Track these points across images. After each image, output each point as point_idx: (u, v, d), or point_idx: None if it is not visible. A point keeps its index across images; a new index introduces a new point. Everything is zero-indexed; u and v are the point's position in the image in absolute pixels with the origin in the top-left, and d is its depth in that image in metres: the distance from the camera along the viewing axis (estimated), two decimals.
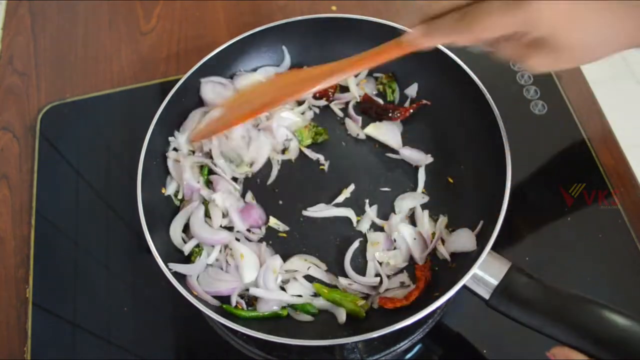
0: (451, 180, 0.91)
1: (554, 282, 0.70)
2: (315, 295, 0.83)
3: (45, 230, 0.97)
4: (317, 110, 1.00)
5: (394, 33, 0.93)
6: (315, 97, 1.00)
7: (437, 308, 0.72)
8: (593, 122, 1.02)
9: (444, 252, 0.83)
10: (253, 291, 0.81)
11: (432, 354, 0.86)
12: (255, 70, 1.01)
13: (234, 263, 0.83)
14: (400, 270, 0.84)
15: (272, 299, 0.81)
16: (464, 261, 0.78)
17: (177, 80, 0.93)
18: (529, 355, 0.81)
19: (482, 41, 0.60)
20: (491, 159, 0.83)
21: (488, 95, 0.85)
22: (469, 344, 0.84)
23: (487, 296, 0.71)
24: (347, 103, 1.00)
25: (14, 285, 0.93)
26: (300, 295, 0.82)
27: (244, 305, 0.81)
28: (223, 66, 0.98)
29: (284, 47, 1.01)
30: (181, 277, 0.80)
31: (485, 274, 0.72)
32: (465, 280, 0.71)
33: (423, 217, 0.86)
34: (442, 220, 0.86)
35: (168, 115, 0.90)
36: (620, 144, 1.00)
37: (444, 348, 0.86)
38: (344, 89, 1.01)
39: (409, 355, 0.85)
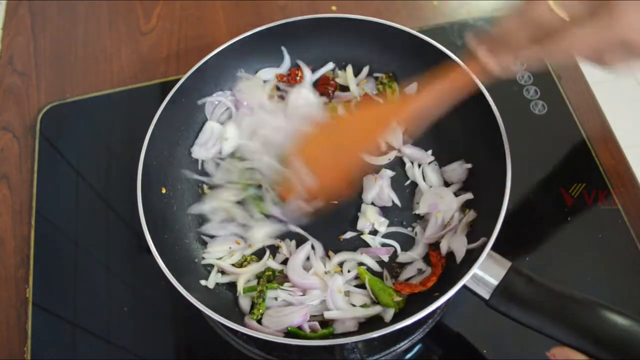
0: None
1: (554, 281, 0.70)
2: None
3: (45, 230, 0.97)
4: None
5: (395, 34, 0.93)
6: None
7: (437, 308, 0.71)
8: (593, 122, 1.02)
9: (444, 248, 0.83)
10: (329, 315, 0.80)
11: (432, 354, 0.86)
12: (256, 72, 1.01)
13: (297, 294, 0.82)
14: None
15: (348, 318, 0.80)
16: (464, 261, 0.78)
17: (177, 80, 0.92)
18: (529, 355, 0.81)
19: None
20: (491, 159, 0.83)
21: (488, 95, 0.85)
22: (469, 344, 0.84)
23: (487, 296, 0.71)
24: (347, 102, 1.00)
25: (14, 285, 0.93)
26: (366, 305, 0.82)
27: (318, 327, 0.80)
28: (223, 66, 0.98)
29: (283, 48, 1.00)
30: (181, 276, 0.79)
31: (485, 274, 0.72)
32: (465, 280, 0.71)
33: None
34: (471, 214, 0.85)
35: (168, 116, 0.90)
36: (620, 144, 1.00)
37: (444, 348, 0.86)
38: (345, 88, 1.01)
39: (409, 355, 0.85)
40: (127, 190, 0.83)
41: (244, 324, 0.74)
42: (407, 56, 0.96)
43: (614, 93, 1.34)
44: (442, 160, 0.93)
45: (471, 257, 0.75)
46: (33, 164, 1.04)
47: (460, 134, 0.92)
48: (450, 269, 0.81)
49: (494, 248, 0.73)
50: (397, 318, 0.73)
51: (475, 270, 0.72)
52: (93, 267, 0.93)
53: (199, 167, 0.95)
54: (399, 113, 0.78)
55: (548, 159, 0.99)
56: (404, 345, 0.84)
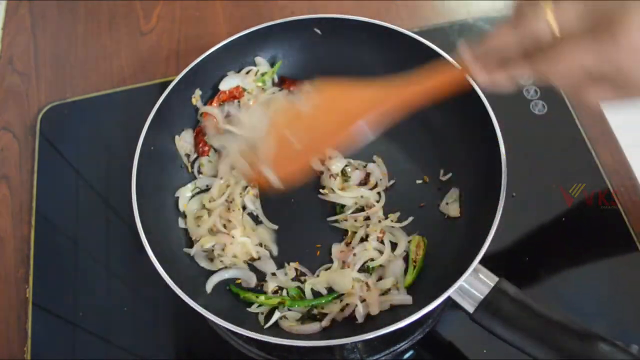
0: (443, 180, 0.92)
1: (541, 303, 0.69)
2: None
3: (45, 230, 0.97)
4: None
5: (396, 37, 0.93)
6: None
7: (423, 317, 0.71)
8: (593, 122, 1.02)
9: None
10: None
11: (431, 354, 0.86)
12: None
13: None
14: None
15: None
16: (451, 274, 0.77)
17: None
18: None
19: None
20: (486, 168, 0.83)
21: (484, 98, 0.85)
22: (467, 346, 0.85)
23: (471, 310, 0.71)
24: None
25: (14, 285, 0.93)
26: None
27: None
28: (223, 65, 0.98)
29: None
30: (176, 276, 0.79)
31: (471, 287, 0.71)
32: (450, 292, 0.71)
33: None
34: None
35: (163, 114, 0.90)
36: (620, 144, 1.00)
37: (443, 348, 0.87)
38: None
39: (407, 355, 0.85)
40: (127, 190, 0.83)
41: (245, 327, 0.74)
42: (407, 57, 0.96)
43: None
44: (434, 165, 0.93)
45: (459, 269, 0.74)
46: (33, 164, 1.04)
47: (456, 137, 0.92)
48: (437, 279, 0.81)
49: (492, 252, 0.73)
50: (397, 318, 0.72)
51: (461, 282, 0.71)
52: (93, 267, 0.93)
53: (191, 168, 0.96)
54: (388, 99, 0.71)
55: (548, 159, 0.99)
56: (404, 345, 0.84)
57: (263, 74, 1.00)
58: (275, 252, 0.89)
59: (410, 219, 0.89)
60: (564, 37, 0.52)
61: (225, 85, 0.98)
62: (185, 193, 0.92)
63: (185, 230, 0.90)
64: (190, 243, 0.89)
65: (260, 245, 0.88)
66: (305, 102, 0.77)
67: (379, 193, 0.91)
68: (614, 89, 0.53)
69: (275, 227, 0.90)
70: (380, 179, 0.92)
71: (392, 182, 0.93)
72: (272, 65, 1.02)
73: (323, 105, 0.77)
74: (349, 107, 0.74)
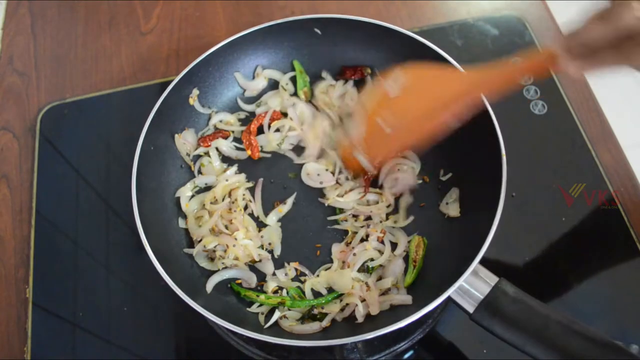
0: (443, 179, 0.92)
1: (540, 302, 0.70)
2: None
3: (45, 230, 0.97)
4: None
5: (396, 36, 0.93)
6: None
7: (422, 316, 0.71)
8: (593, 122, 1.02)
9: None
10: None
11: (431, 354, 0.86)
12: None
13: None
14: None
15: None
16: (451, 274, 0.77)
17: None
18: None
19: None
20: (486, 168, 0.83)
21: (483, 97, 0.85)
22: (467, 346, 0.85)
23: (471, 310, 0.71)
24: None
25: (14, 285, 0.93)
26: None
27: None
28: (222, 65, 0.98)
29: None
30: (176, 275, 0.80)
31: (471, 287, 0.71)
32: (450, 292, 0.71)
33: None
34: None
35: (163, 114, 0.90)
36: (620, 144, 1.00)
37: (443, 348, 0.87)
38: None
39: (407, 355, 0.85)
40: (127, 190, 0.83)
41: (245, 327, 0.74)
42: (407, 57, 0.96)
43: (614, 93, 1.34)
44: (434, 165, 0.93)
45: (459, 269, 0.74)
46: (33, 164, 1.04)
47: (458, 138, 0.91)
48: (437, 279, 0.81)
49: (491, 253, 0.73)
50: (396, 318, 0.72)
51: (461, 282, 0.71)
52: (93, 267, 0.93)
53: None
54: (478, 86, 0.71)
55: (548, 159, 0.99)
56: (404, 345, 0.84)
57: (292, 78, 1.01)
58: (279, 252, 0.89)
59: (411, 218, 0.89)
60: None
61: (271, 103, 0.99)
62: (185, 192, 0.92)
63: (186, 230, 0.90)
64: (191, 243, 0.89)
65: (262, 247, 0.88)
66: (395, 86, 0.76)
67: (381, 194, 0.91)
68: None
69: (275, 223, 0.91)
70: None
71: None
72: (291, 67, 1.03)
73: (413, 90, 0.76)
74: (439, 92, 0.74)
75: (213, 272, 0.86)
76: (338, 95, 0.99)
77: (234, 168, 0.95)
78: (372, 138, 0.79)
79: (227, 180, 0.92)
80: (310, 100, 1.00)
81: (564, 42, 0.62)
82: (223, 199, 0.90)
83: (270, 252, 0.88)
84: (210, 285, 0.83)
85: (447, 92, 0.73)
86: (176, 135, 0.94)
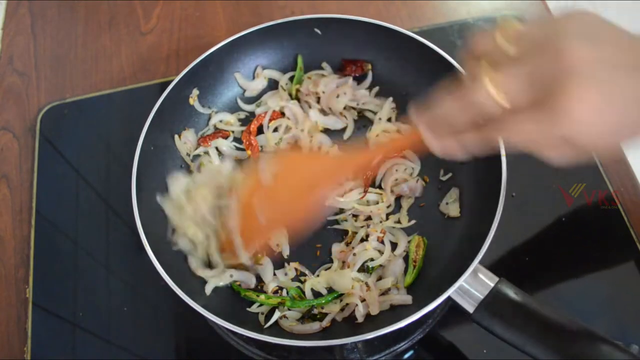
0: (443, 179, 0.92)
1: (541, 301, 0.69)
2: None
3: (45, 230, 0.97)
4: None
5: (396, 36, 0.93)
6: None
7: (422, 316, 0.71)
8: None
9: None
10: None
11: (431, 354, 0.86)
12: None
13: None
14: None
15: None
16: (451, 274, 0.77)
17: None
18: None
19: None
20: (486, 168, 0.83)
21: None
22: (467, 346, 0.85)
23: (471, 310, 0.71)
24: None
25: (14, 285, 0.93)
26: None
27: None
28: (222, 65, 0.98)
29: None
30: (176, 275, 0.79)
31: (471, 287, 0.71)
32: (450, 292, 0.71)
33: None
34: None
35: (163, 114, 0.90)
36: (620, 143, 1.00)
37: (443, 348, 0.87)
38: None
39: (407, 355, 0.85)
40: (127, 190, 0.83)
41: (245, 327, 0.74)
42: (407, 57, 0.96)
43: None
44: (434, 165, 0.93)
45: (459, 269, 0.74)
46: (33, 164, 1.04)
47: None
48: (437, 279, 0.81)
49: (490, 254, 0.73)
50: (397, 319, 0.72)
51: (461, 282, 0.71)
52: (93, 267, 0.93)
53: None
54: (345, 167, 0.74)
55: None
56: (404, 345, 0.84)
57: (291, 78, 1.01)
58: (287, 252, 0.88)
59: (413, 221, 0.89)
60: (506, 109, 0.52)
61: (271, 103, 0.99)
62: (178, 183, 0.88)
63: None
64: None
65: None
66: (267, 174, 0.77)
67: (381, 194, 0.91)
68: (571, 150, 0.52)
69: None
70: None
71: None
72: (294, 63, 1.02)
73: (283, 176, 0.78)
74: (307, 176, 0.76)
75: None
76: (331, 87, 0.98)
77: (229, 163, 0.92)
78: (247, 225, 0.78)
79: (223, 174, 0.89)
80: (297, 93, 1.00)
81: (422, 117, 0.60)
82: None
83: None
84: (209, 288, 0.83)
85: (315, 174, 0.75)
86: (176, 136, 0.94)
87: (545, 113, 0.50)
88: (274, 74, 1.02)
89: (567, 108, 0.48)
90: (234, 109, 1.01)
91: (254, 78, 1.02)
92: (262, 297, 0.83)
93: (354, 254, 0.85)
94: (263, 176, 0.77)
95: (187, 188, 0.87)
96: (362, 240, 0.87)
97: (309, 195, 0.75)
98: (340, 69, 1.01)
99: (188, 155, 0.95)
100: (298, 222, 0.78)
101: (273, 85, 1.03)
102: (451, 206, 0.88)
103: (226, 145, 0.96)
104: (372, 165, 0.70)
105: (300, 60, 1.01)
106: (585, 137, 0.50)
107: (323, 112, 0.98)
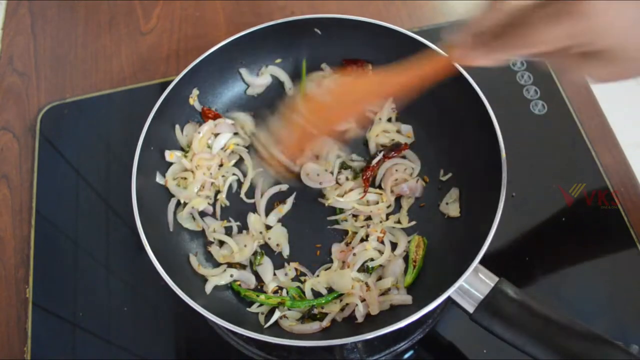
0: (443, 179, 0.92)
1: (540, 302, 0.70)
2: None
3: (45, 230, 0.97)
4: None
5: (396, 36, 0.93)
6: None
7: (423, 316, 0.71)
8: (593, 122, 1.02)
9: None
10: None
11: (431, 354, 0.86)
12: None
13: None
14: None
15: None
16: (451, 274, 0.77)
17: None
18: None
19: (535, 55, 0.58)
20: (486, 168, 0.83)
21: (483, 96, 0.85)
22: (467, 346, 0.85)
23: (471, 310, 0.71)
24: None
25: (14, 285, 0.93)
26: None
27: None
28: (222, 65, 0.98)
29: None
30: (176, 275, 0.80)
31: (471, 287, 0.71)
32: (450, 292, 0.71)
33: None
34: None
35: (163, 114, 0.90)
36: (620, 143, 1.00)
37: (443, 348, 0.87)
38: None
39: (407, 355, 0.85)
40: (127, 190, 0.83)
41: (245, 327, 0.74)
42: (407, 57, 0.95)
43: (614, 93, 1.34)
44: (434, 165, 0.93)
45: (459, 269, 0.74)
46: (33, 164, 1.04)
47: (457, 138, 0.92)
48: (437, 279, 0.80)
49: (490, 254, 0.73)
50: (396, 319, 0.72)
51: (461, 282, 0.71)
52: (93, 267, 0.93)
53: None
54: (387, 86, 0.78)
55: (548, 159, 0.99)
56: (404, 345, 0.84)
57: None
58: (287, 252, 0.89)
59: (413, 222, 0.89)
60: (533, 12, 0.54)
61: None
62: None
63: (187, 230, 0.89)
64: (191, 240, 0.89)
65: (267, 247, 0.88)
66: (320, 90, 0.85)
67: (381, 194, 0.91)
68: (600, 65, 0.55)
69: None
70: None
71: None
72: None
73: (334, 92, 0.83)
74: (354, 93, 0.81)
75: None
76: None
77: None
78: (294, 136, 0.83)
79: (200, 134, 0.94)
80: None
81: (459, 34, 0.64)
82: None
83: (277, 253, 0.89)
84: (209, 286, 0.83)
85: (359, 91, 0.81)
86: (177, 126, 0.94)
87: (571, 15, 0.51)
88: (277, 71, 1.02)
89: (594, 10, 0.50)
90: (233, 108, 1.01)
91: (257, 76, 1.02)
92: (262, 297, 0.83)
93: (354, 254, 0.85)
94: (319, 93, 0.84)
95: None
96: (362, 240, 0.87)
97: (353, 107, 0.82)
98: (340, 69, 1.01)
99: (188, 147, 0.95)
100: (337, 130, 0.85)
101: (277, 83, 1.03)
102: (451, 206, 0.88)
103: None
104: (408, 86, 0.73)
105: (304, 65, 1.01)
106: (609, 35, 0.51)
107: None
